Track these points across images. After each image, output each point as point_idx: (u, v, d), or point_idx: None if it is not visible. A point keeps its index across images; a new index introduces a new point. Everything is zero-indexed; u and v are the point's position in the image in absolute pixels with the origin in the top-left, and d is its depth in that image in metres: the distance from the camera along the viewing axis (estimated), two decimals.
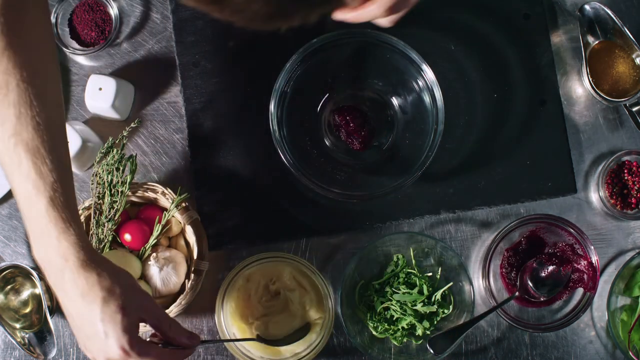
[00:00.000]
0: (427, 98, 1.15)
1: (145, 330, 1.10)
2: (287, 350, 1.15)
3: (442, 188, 1.20)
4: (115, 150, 1.12)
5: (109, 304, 0.82)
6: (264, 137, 1.19)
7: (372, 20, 0.98)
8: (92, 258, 0.84)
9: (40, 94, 0.85)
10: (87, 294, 0.82)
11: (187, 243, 1.18)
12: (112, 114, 1.19)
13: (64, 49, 1.21)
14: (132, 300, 0.85)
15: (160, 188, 1.14)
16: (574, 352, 1.20)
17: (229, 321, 1.15)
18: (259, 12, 0.59)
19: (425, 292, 1.16)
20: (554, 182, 1.21)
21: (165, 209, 1.15)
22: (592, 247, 1.16)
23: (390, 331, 1.16)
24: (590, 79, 1.19)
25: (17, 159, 0.84)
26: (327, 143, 1.21)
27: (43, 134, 0.84)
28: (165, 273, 1.13)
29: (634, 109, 1.23)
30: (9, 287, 1.19)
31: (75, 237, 0.84)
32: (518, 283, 1.17)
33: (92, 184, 1.12)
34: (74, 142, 1.15)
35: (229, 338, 1.14)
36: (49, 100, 0.87)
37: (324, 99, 1.21)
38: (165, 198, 1.14)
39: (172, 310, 1.11)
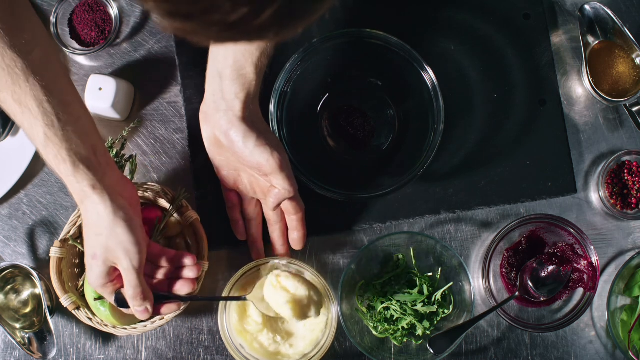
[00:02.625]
0: (427, 98, 1.14)
1: (146, 329, 1.10)
2: (296, 352, 1.16)
3: (442, 188, 1.20)
4: (115, 150, 1.12)
5: (93, 244, 0.97)
6: None
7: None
8: (102, 192, 0.95)
9: (13, 45, 0.88)
10: (88, 225, 0.97)
11: (187, 243, 1.18)
12: (112, 114, 1.19)
13: (64, 49, 1.21)
14: (109, 247, 0.96)
15: (159, 188, 1.14)
16: (574, 352, 1.20)
17: (234, 333, 1.16)
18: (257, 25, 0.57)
19: (425, 292, 1.16)
20: (554, 182, 1.21)
21: (165, 209, 1.15)
22: (592, 247, 1.16)
23: (390, 331, 1.16)
24: (590, 79, 1.19)
25: (17, 110, 0.90)
26: (327, 143, 1.21)
27: (27, 81, 0.88)
28: None
29: (634, 109, 1.23)
30: (9, 287, 1.19)
31: (84, 174, 0.94)
32: (518, 283, 1.17)
33: None
34: None
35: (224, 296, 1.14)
36: (23, 48, 0.89)
37: (324, 99, 1.21)
38: (165, 198, 1.14)
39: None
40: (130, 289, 0.98)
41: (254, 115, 1.04)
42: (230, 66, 1.01)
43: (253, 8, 0.53)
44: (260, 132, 1.03)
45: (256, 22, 0.55)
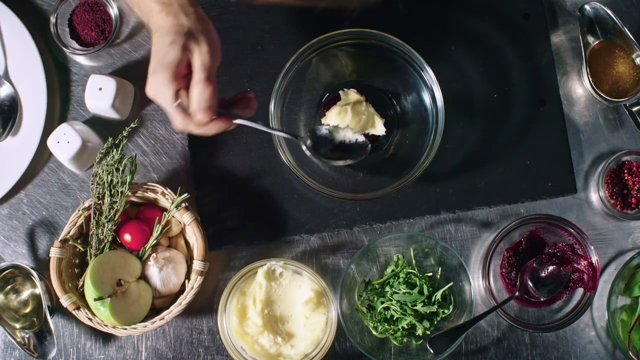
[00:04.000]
0: (427, 98, 1.15)
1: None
2: (297, 352, 1.16)
3: (442, 188, 1.20)
4: (115, 150, 1.12)
5: (173, 30, 0.93)
6: (263, 137, 1.20)
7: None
8: (181, 4, 0.94)
9: None
10: (165, 32, 0.94)
11: (187, 243, 1.18)
12: (112, 114, 1.19)
13: (64, 49, 1.21)
14: (191, 33, 0.93)
15: (160, 188, 1.14)
16: (574, 352, 1.20)
17: (235, 336, 1.16)
18: None
19: (426, 292, 1.16)
20: (554, 182, 1.21)
21: (165, 209, 1.15)
22: (592, 247, 1.16)
23: (390, 331, 1.16)
24: (590, 79, 1.19)
25: None
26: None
27: None
28: (165, 273, 1.13)
29: (634, 109, 1.23)
30: (9, 287, 1.19)
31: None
32: (518, 283, 1.17)
33: (92, 184, 1.12)
34: (74, 142, 1.15)
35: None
36: None
37: (324, 99, 1.21)
38: (165, 198, 1.14)
39: (172, 311, 1.11)
40: (200, 83, 0.93)
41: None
42: None
43: None
44: None
45: None
